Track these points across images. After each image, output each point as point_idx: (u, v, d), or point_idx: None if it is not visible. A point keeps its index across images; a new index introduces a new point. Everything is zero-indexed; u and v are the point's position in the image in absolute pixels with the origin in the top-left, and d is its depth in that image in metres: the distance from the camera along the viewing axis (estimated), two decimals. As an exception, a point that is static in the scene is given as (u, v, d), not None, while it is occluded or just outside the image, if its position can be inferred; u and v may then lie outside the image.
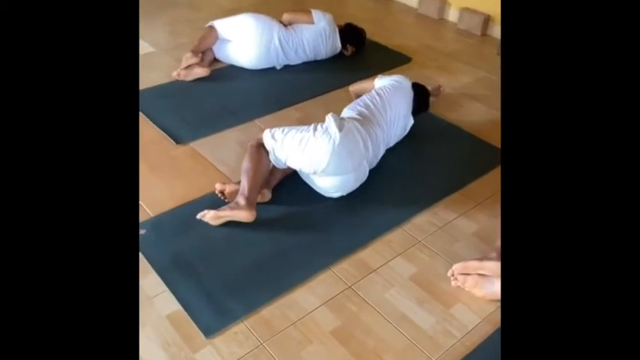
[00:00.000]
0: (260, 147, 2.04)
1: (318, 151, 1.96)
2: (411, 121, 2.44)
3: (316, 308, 1.72)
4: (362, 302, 1.75)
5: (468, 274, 1.77)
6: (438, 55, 3.39)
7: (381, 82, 2.44)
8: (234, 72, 3.06)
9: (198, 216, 1.97)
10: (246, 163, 2.01)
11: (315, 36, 3.09)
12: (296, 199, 2.15)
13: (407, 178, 2.31)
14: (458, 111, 2.81)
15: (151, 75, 2.96)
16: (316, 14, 3.09)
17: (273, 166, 2.10)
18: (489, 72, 3.20)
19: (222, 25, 3.03)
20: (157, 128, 2.55)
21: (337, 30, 3.17)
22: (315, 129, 2.00)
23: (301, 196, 2.15)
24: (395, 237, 2.01)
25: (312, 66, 3.15)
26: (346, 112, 2.23)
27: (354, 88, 2.65)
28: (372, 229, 2.03)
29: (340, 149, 1.96)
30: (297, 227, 2.03)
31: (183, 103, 2.78)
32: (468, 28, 3.72)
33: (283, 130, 2.04)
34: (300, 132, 2.01)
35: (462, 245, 1.98)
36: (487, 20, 3.65)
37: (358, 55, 3.28)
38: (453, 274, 1.80)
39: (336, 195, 2.14)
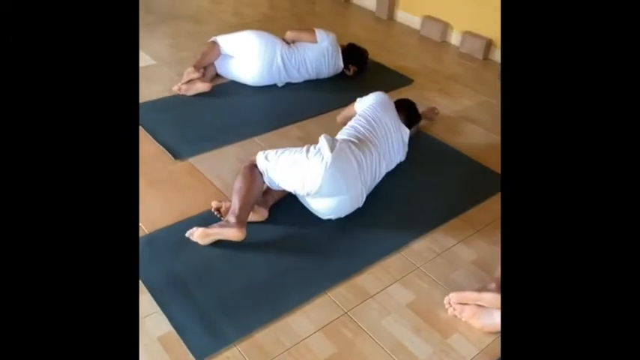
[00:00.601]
0: (253, 168, 2.03)
1: (311, 173, 1.94)
2: (406, 131, 2.42)
3: (311, 334, 1.69)
4: (358, 329, 1.72)
5: (466, 304, 1.74)
6: (439, 78, 3.40)
7: (360, 105, 2.45)
8: (235, 88, 3.06)
9: (187, 234, 1.94)
10: (238, 183, 1.99)
11: (318, 55, 3.09)
12: (293, 221, 2.12)
13: (406, 202, 2.29)
14: (459, 134, 2.81)
15: (151, 88, 2.95)
16: (319, 33, 3.10)
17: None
18: (490, 96, 3.20)
19: (225, 41, 3.03)
20: (156, 142, 2.53)
21: (340, 50, 3.17)
22: (307, 150, 1.99)
23: (298, 217, 2.13)
24: (393, 262, 1.98)
25: (313, 85, 3.15)
26: (338, 137, 2.22)
27: (340, 118, 2.64)
28: (369, 253, 2.00)
29: (333, 170, 1.94)
30: (294, 249, 2.00)
31: (184, 118, 2.76)
32: (470, 51, 3.74)
33: (277, 152, 2.03)
34: (294, 153, 2.00)
35: (461, 274, 1.95)
36: (489, 44, 3.67)
37: (360, 75, 3.28)
38: (450, 303, 1.77)
39: (332, 217, 2.11)
